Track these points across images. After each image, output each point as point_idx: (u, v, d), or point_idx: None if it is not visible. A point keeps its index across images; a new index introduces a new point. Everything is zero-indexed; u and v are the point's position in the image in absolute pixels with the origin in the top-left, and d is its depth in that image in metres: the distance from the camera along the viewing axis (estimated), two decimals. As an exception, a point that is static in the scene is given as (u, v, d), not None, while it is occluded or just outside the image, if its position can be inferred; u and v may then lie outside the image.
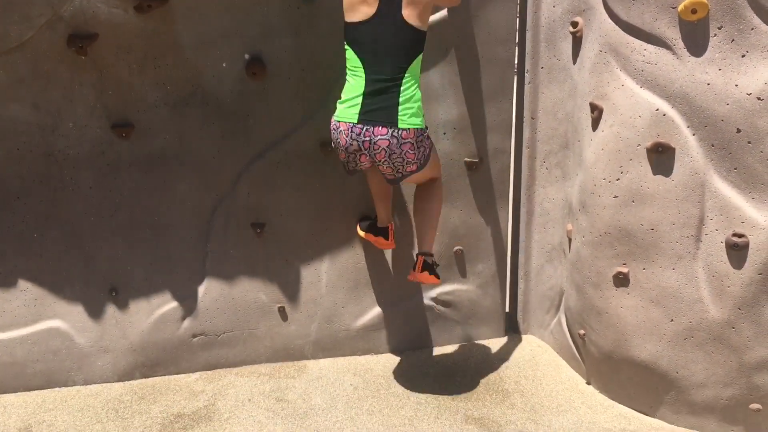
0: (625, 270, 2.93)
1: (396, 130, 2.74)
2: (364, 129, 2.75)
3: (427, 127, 2.92)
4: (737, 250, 2.66)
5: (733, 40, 2.56)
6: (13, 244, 3.08)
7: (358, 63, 2.79)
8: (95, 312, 3.23)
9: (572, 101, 3.24)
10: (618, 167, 2.86)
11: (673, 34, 2.65)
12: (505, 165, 3.54)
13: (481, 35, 3.29)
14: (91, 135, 3.08)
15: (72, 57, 2.93)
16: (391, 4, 2.74)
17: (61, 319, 3.21)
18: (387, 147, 2.76)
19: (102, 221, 3.17)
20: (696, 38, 2.62)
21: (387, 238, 3.26)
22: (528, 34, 3.39)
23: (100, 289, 3.22)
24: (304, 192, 3.33)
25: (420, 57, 2.82)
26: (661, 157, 2.74)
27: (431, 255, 3.14)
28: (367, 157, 2.85)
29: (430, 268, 3.10)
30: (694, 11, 2.58)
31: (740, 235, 2.65)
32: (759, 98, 2.54)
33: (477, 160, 3.43)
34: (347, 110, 2.81)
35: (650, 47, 2.72)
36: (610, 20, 2.85)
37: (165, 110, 3.12)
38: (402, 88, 2.78)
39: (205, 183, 3.24)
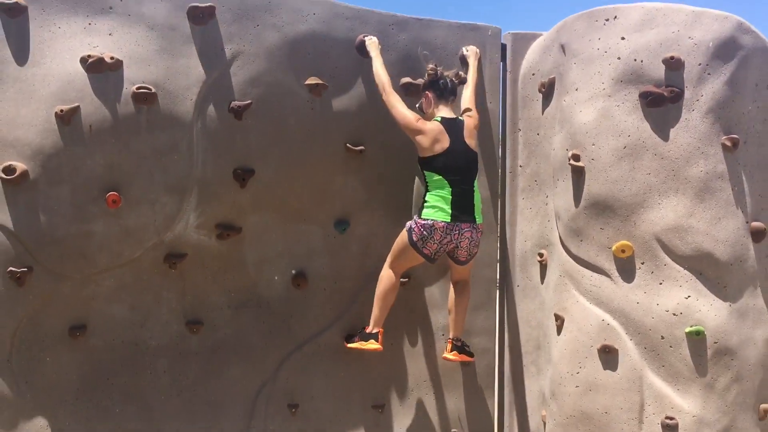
0: (587, 446, 3.70)
1: (474, 224, 3.79)
2: (455, 226, 3.72)
3: None
4: (670, 430, 3.48)
5: (652, 272, 3.59)
6: (100, 417, 3.82)
7: (443, 181, 3.75)
8: (159, 478, 3.89)
9: (542, 312, 4.19)
10: (577, 363, 3.75)
11: (610, 266, 3.68)
12: (491, 362, 4.41)
13: (471, 260, 4.32)
14: (170, 330, 3.95)
15: (165, 270, 3.89)
16: (457, 137, 3.81)
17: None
18: (470, 237, 3.77)
19: (170, 399, 3.94)
20: (626, 270, 3.64)
21: (377, 341, 3.88)
22: (507, 261, 4.43)
23: (165, 456, 3.91)
24: (331, 378, 4.15)
25: (477, 172, 3.92)
26: (608, 356, 3.64)
27: (460, 339, 4.01)
28: (453, 245, 3.77)
29: (459, 348, 3.99)
30: (623, 251, 3.62)
31: (671, 418, 3.48)
32: (674, 314, 3.51)
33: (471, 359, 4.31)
34: (438, 213, 3.72)
35: (595, 275, 3.74)
36: (566, 254, 3.90)
37: (228, 311, 4.04)
38: (474, 193, 3.83)
39: (253, 369, 4.06)
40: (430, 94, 3.92)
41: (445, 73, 3.92)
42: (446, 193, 3.75)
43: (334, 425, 4.16)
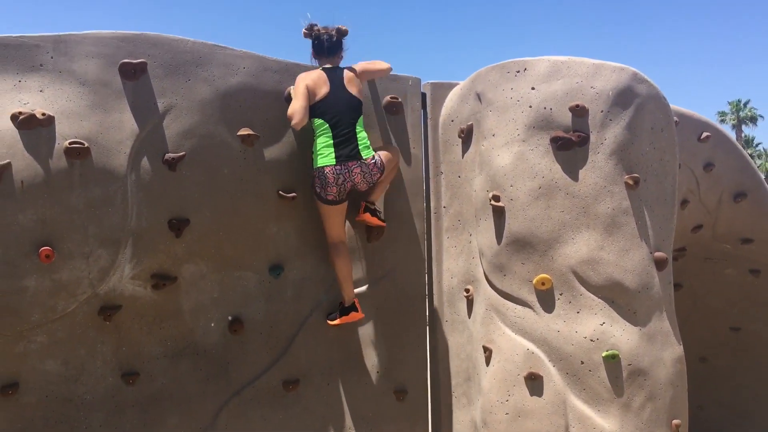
0: (519, 470, 3.91)
1: (361, 161, 4.07)
2: (343, 166, 4.02)
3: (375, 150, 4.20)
4: (594, 449, 3.74)
5: (570, 302, 3.88)
6: (34, 476, 3.75)
7: (325, 125, 4.05)
8: None
9: (470, 345, 4.41)
10: (506, 391, 3.98)
11: (532, 298, 3.95)
12: (423, 396, 4.59)
13: (400, 298, 4.51)
14: (105, 383, 3.93)
15: (99, 322, 3.88)
16: (338, 84, 4.11)
17: None
18: (360, 172, 4.06)
19: (107, 453, 3.90)
20: (547, 301, 3.92)
21: (357, 311, 4.24)
22: (434, 298, 4.64)
23: None
24: (269, 421, 4.21)
25: (361, 117, 4.16)
26: (534, 383, 3.89)
27: (373, 203, 4.33)
28: (351, 183, 4.06)
29: (371, 211, 4.31)
30: (543, 283, 3.90)
31: (594, 437, 3.74)
32: (591, 340, 3.80)
33: (404, 392, 4.47)
34: (325, 158, 4.02)
35: (518, 307, 4.00)
36: (490, 288, 4.15)
37: (165, 361, 4.06)
38: (357, 134, 4.09)
39: (191, 417, 4.08)
40: (313, 55, 4.29)
41: (322, 30, 4.23)
42: (329, 137, 4.06)
43: (274, 468, 4.21)
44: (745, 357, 6.16)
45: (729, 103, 54.77)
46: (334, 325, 4.27)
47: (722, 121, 54.32)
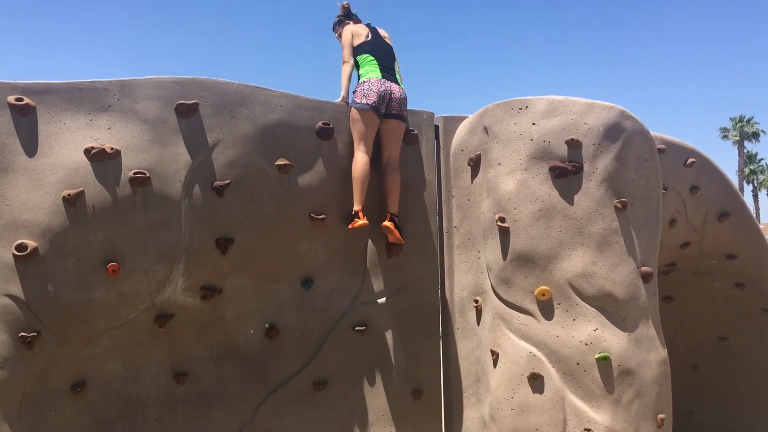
0: (523, 459, 4.44)
1: (400, 86, 4.99)
2: (385, 81, 4.87)
3: None
4: (588, 439, 4.27)
5: (567, 311, 4.42)
6: (99, 462, 4.29)
7: (371, 58, 4.99)
8: None
9: (479, 350, 4.95)
10: (512, 390, 4.51)
11: (534, 307, 4.49)
12: (437, 396, 5.12)
13: (416, 308, 5.06)
14: (159, 382, 4.49)
15: (155, 329, 4.44)
16: (375, 34, 5.16)
17: None
18: (398, 90, 4.93)
19: (162, 444, 4.45)
20: (547, 310, 4.46)
21: (359, 217, 4.66)
22: (447, 308, 5.19)
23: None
24: (302, 417, 4.75)
25: (396, 61, 5.17)
26: (536, 382, 4.42)
27: (396, 216, 4.87)
28: (389, 98, 4.82)
29: (396, 224, 4.82)
30: (543, 294, 4.45)
31: (588, 430, 4.27)
32: (586, 344, 4.33)
33: (420, 392, 5.01)
34: (371, 73, 4.91)
35: (522, 315, 4.54)
36: (497, 299, 4.69)
37: (210, 363, 4.61)
38: (395, 72, 5.07)
39: (233, 412, 4.62)
40: (346, 23, 5.36)
41: (347, 5, 5.44)
42: (375, 65, 4.97)
43: (306, 459, 4.75)
44: (733, 365, 6.65)
45: (731, 119, 55.06)
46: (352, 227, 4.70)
47: (725, 137, 54.61)
